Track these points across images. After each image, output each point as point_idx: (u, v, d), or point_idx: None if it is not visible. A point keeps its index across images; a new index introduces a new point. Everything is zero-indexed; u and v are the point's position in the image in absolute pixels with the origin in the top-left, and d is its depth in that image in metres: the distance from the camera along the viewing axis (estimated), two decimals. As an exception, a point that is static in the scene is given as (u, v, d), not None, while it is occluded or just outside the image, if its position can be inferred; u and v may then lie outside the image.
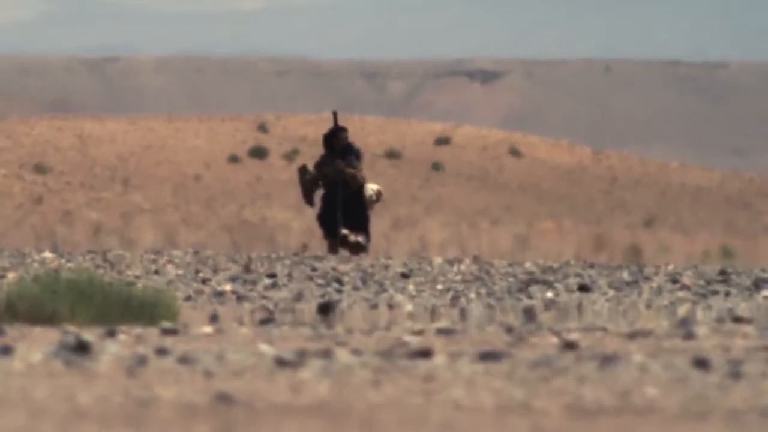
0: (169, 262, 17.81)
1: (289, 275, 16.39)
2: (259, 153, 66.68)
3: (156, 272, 16.48)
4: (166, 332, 7.87)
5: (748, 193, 68.86)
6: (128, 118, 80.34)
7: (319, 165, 20.86)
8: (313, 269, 16.95)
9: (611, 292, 14.66)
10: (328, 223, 20.53)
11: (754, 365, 5.81)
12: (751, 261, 23.30)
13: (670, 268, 18.25)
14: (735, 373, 5.43)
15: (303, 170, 21.14)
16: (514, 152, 71.59)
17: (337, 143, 20.85)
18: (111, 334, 7.48)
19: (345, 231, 20.31)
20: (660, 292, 14.80)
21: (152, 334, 7.80)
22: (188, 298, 13.51)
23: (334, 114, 21.42)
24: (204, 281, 15.63)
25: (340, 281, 15.66)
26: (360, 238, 20.42)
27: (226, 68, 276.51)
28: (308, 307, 12.81)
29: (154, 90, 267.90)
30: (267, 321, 9.98)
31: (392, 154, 68.28)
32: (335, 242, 20.47)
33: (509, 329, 8.49)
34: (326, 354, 6.11)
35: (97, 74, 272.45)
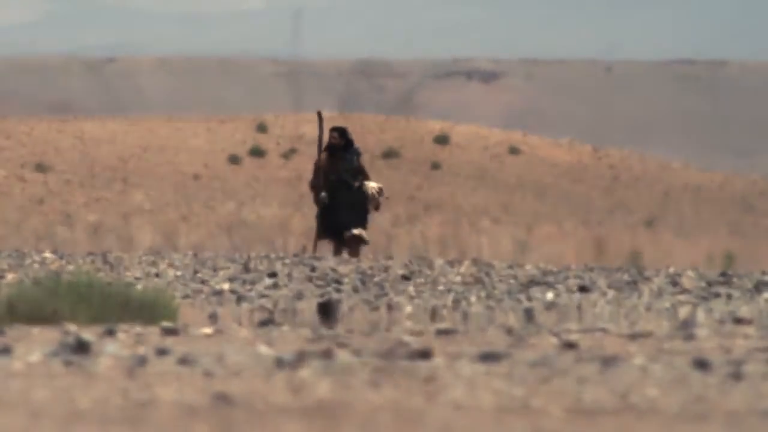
0: (170, 265, 17.80)
1: (289, 276, 16.38)
2: (258, 154, 66.73)
3: (157, 275, 16.47)
4: (166, 332, 7.86)
5: (751, 194, 68.79)
6: (128, 118, 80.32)
7: (324, 165, 20.44)
8: (313, 269, 16.95)
9: (611, 293, 14.65)
10: (325, 223, 20.47)
11: (754, 366, 5.80)
12: (754, 263, 23.28)
13: (671, 270, 18.23)
14: (735, 374, 5.43)
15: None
16: (514, 150, 71.53)
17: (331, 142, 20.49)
18: (110, 333, 7.48)
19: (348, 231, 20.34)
20: (660, 294, 14.79)
21: (152, 334, 7.80)
22: (186, 296, 13.50)
23: (319, 114, 21.17)
24: (203, 282, 15.62)
25: (339, 282, 15.66)
26: (361, 232, 20.43)
27: (225, 68, 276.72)
28: (308, 308, 12.80)
29: (154, 90, 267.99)
30: (266, 322, 9.97)
31: (391, 154, 68.27)
32: (323, 242, 20.62)
33: (509, 330, 8.49)
34: (326, 355, 6.11)
35: (96, 75, 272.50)
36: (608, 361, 5.93)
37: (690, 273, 17.25)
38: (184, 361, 5.83)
